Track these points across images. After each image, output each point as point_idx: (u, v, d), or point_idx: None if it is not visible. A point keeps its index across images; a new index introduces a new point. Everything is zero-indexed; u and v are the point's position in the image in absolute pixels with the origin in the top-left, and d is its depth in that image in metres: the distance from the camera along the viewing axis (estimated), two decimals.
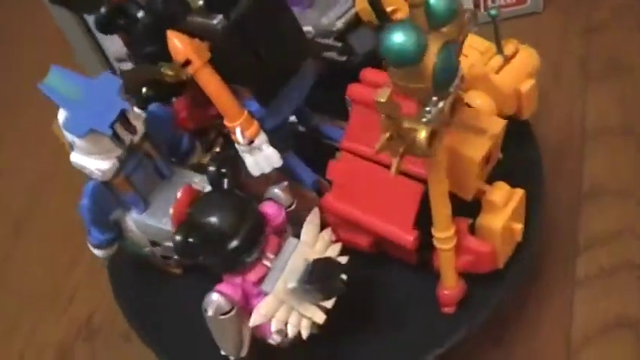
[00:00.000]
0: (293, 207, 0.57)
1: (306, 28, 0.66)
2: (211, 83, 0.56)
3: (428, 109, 0.46)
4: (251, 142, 0.58)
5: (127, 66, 0.76)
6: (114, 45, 0.68)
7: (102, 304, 0.75)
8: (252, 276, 0.54)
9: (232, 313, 0.53)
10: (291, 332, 0.53)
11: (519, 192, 0.58)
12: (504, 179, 0.61)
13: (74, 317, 0.75)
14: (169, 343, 0.62)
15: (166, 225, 0.59)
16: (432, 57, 0.45)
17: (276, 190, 0.57)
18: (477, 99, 0.61)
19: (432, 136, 0.46)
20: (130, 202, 0.61)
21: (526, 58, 0.61)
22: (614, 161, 0.74)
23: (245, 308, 0.54)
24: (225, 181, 0.54)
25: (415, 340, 0.58)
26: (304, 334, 0.54)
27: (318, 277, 0.53)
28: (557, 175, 0.72)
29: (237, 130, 0.57)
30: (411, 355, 0.58)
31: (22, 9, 1.09)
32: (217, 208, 0.52)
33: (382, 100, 0.44)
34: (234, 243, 0.52)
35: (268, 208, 0.56)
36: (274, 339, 0.55)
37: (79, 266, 0.79)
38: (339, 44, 0.67)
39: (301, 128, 0.68)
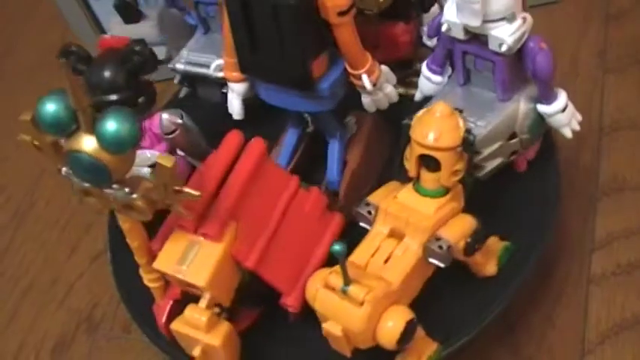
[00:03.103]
0: (173, 135, 0.65)
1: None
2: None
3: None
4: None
5: None
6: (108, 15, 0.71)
7: (103, 296, 0.74)
8: None
9: None
10: None
11: None
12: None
13: (74, 308, 0.75)
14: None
15: (205, 59, 0.68)
16: None
17: (166, 116, 0.64)
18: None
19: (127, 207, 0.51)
20: (194, 20, 0.71)
21: (355, 318, 0.50)
22: (634, 156, 0.73)
23: None
24: (139, 59, 0.63)
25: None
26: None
27: None
28: (574, 169, 0.71)
29: (215, 62, 0.66)
30: None
31: None
32: (114, 62, 0.63)
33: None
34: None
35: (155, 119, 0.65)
36: None
37: (79, 256, 0.79)
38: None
39: None
